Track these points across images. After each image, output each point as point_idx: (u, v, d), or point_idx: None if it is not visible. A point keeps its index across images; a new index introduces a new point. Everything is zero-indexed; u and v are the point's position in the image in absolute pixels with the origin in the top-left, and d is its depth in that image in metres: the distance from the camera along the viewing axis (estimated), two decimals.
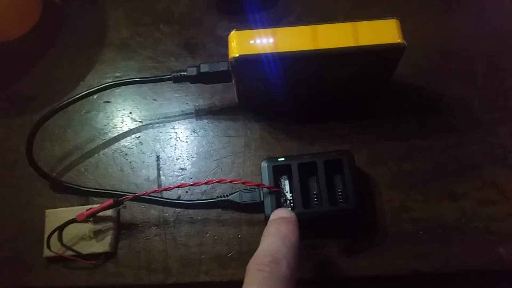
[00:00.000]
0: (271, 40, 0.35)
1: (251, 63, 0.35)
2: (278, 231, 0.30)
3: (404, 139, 0.40)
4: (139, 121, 0.43)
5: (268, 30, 0.35)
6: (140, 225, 0.39)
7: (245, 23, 0.45)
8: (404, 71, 0.39)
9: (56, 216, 0.38)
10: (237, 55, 0.34)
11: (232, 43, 0.35)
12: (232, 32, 0.35)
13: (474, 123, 0.41)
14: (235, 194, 0.38)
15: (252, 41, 0.35)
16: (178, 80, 0.39)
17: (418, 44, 0.42)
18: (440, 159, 0.40)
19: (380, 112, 0.42)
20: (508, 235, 0.37)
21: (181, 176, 0.40)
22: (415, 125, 0.41)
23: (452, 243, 0.37)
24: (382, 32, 0.35)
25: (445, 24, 0.45)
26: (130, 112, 0.43)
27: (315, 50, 0.34)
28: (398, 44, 0.34)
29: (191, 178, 0.40)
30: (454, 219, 0.38)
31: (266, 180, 0.37)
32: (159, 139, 0.42)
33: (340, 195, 0.37)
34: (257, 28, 0.35)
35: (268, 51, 0.34)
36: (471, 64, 0.43)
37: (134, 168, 0.41)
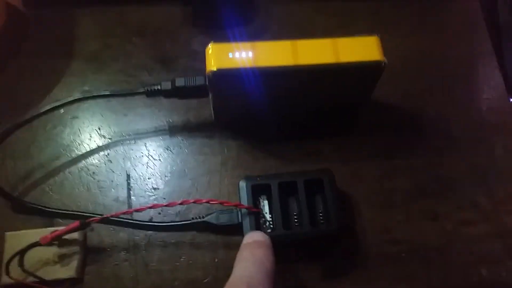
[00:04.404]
0: (250, 54, 0.34)
1: (229, 78, 0.34)
2: (253, 256, 0.29)
3: (384, 158, 0.40)
4: (108, 138, 0.40)
5: (248, 44, 0.34)
6: (108, 249, 0.36)
7: (221, 39, 0.43)
8: (383, 89, 0.39)
9: (17, 239, 0.35)
10: (215, 68, 0.33)
11: (210, 56, 0.34)
12: (209, 45, 0.34)
13: (453, 142, 0.41)
14: (212, 215, 0.36)
15: (230, 55, 0.33)
16: (151, 94, 0.37)
17: (397, 63, 0.42)
18: (420, 178, 0.39)
19: (360, 131, 0.41)
20: (489, 256, 0.37)
21: (154, 196, 0.38)
22: (394, 144, 0.41)
23: (434, 265, 0.36)
24: (363, 49, 0.34)
25: (423, 43, 0.45)
26: (99, 128, 0.41)
27: (295, 65, 0.34)
28: (379, 61, 0.34)
29: (164, 199, 0.38)
30: (435, 240, 0.37)
31: (244, 200, 0.35)
32: (130, 156, 0.40)
33: (321, 215, 0.36)
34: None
35: (247, 66, 0.33)
36: (449, 83, 0.43)
37: (102, 187, 0.38)
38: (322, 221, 0.36)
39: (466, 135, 0.41)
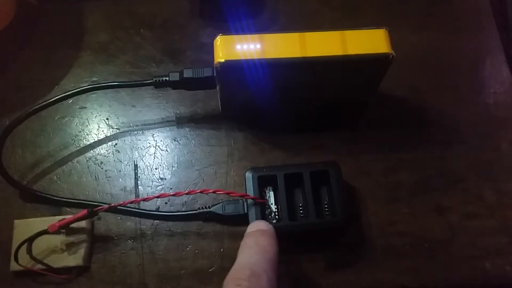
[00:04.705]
0: (258, 46, 0.34)
1: (237, 69, 0.34)
2: (257, 244, 0.30)
3: (390, 151, 0.40)
4: (116, 128, 0.41)
5: (256, 36, 0.34)
6: (115, 237, 0.37)
7: (228, 31, 0.44)
8: (389, 84, 0.39)
9: (25, 226, 0.36)
10: (223, 60, 0.33)
11: (218, 48, 0.34)
12: (218, 37, 0.34)
13: (458, 137, 0.41)
14: (218, 205, 0.36)
15: (238, 47, 0.34)
16: (159, 85, 0.37)
17: (403, 58, 0.42)
18: (426, 172, 0.39)
19: (366, 124, 0.41)
20: (493, 249, 0.37)
21: (161, 186, 0.38)
22: (401, 137, 0.41)
23: (438, 258, 0.36)
24: (371, 41, 0.34)
25: (429, 38, 0.45)
26: (107, 118, 0.41)
27: (303, 57, 0.34)
28: (387, 54, 0.34)
29: (171, 189, 0.38)
30: (440, 233, 0.37)
31: (250, 191, 0.35)
32: (138, 147, 0.40)
33: (326, 207, 0.36)
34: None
35: (255, 57, 0.33)
36: (455, 78, 0.43)
37: (110, 177, 0.39)
38: (327, 213, 0.36)
39: (472, 129, 0.41)
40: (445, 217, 0.38)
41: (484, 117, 0.41)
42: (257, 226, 0.31)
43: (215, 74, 0.35)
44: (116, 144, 0.40)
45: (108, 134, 0.40)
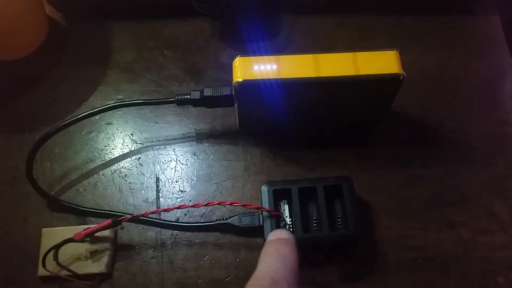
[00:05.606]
0: (274, 66, 0.35)
1: (254, 88, 0.35)
2: (277, 252, 0.30)
3: (402, 167, 0.41)
4: (140, 143, 0.43)
5: (272, 57, 0.36)
6: (137, 246, 0.39)
7: (246, 52, 0.46)
8: (403, 101, 0.40)
9: (52, 234, 0.38)
10: (241, 80, 0.35)
11: (237, 68, 0.36)
12: (236, 58, 0.36)
13: (470, 153, 0.41)
14: (235, 217, 0.38)
15: (256, 67, 0.35)
16: (181, 103, 0.39)
17: (416, 76, 0.43)
18: (438, 188, 0.40)
19: (379, 141, 0.42)
20: (506, 264, 0.37)
21: (180, 198, 0.40)
22: (413, 154, 0.42)
23: (451, 272, 0.37)
24: (382, 62, 0.35)
25: (442, 57, 0.46)
26: (131, 134, 0.43)
27: (316, 77, 0.35)
28: (397, 74, 0.35)
29: (190, 201, 0.40)
30: (452, 248, 0.38)
31: (266, 203, 0.37)
32: (159, 161, 0.42)
33: (339, 221, 0.37)
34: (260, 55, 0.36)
35: (271, 77, 0.35)
36: (468, 97, 0.44)
37: (133, 189, 0.41)
38: (340, 226, 0.37)
39: (484, 147, 0.42)
40: (457, 232, 0.38)
41: (496, 135, 0.42)
42: (277, 235, 0.32)
43: (233, 93, 0.37)
44: (139, 158, 0.42)
45: (132, 149, 0.43)
